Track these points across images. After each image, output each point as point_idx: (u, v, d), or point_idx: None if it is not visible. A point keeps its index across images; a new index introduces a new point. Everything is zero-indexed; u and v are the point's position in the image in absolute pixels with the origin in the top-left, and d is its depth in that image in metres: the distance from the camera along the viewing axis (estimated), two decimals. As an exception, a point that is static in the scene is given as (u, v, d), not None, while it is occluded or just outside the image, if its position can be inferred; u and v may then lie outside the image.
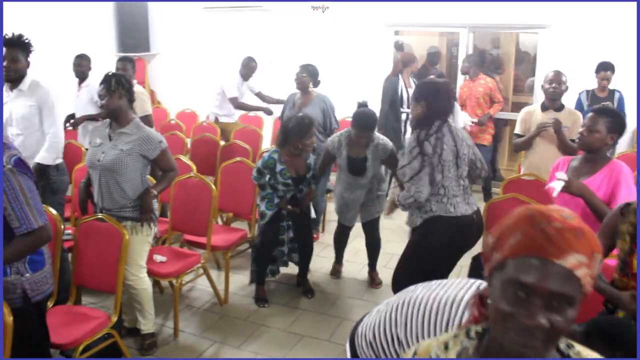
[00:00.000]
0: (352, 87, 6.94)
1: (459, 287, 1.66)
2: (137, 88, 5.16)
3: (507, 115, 6.98)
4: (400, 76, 6.16)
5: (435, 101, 3.17)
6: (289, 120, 4.02)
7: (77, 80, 5.62)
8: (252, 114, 7.16)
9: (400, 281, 3.29)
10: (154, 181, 3.99)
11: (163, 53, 8.41)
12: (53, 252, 3.19)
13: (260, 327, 3.83)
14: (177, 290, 3.66)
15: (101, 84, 3.28)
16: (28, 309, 2.41)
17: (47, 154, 3.78)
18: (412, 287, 1.81)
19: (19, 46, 3.59)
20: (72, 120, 5.45)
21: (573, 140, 4.24)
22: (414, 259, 3.28)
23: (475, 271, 2.83)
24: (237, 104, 6.53)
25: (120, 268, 3.09)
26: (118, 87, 3.25)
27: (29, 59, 3.70)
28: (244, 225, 5.00)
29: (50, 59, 6.60)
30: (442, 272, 3.33)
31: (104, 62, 6.34)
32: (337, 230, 4.59)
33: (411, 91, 6.06)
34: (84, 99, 5.50)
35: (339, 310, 4.06)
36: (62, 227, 3.25)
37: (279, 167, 3.99)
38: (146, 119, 5.10)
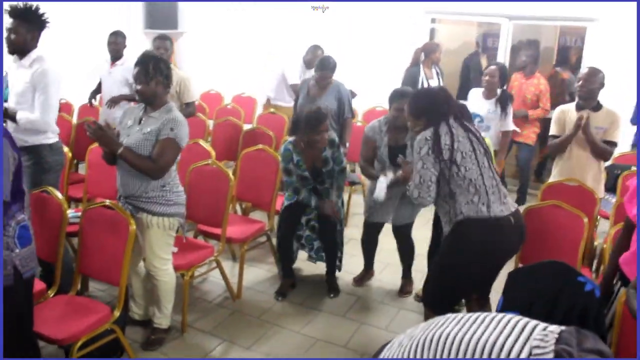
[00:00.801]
0: (385, 77, 6.63)
1: (498, 328, 1.39)
2: (181, 72, 4.97)
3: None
4: (421, 66, 5.85)
5: (435, 111, 2.87)
6: (301, 112, 3.77)
7: (108, 57, 5.42)
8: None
9: (433, 297, 3.04)
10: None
11: (191, 31, 8.18)
12: (56, 237, 3.03)
13: (273, 326, 3.61)
14: (187, 284, 3.46)
15: (137, 65, 3.03)
16: (18, 286, 2.30)
17: (26, 121, 3.43)
18: (440, 320, 1.54)
19: (22, 18, 3.37)
20: (106, 101, 5.26)
21: (609, 143, 3.96)
22: (447, 273, 2.93)
23: (511, 291, 2.54)
24: (296, 91, 6.21)
25: (126, 260, 2.88)
26: (155, 74, 3.02)
27: (35, 33, 3.46)
28: (263, 216, 4.79)
29: (74, 35, 6.46)
30: (479, 286, 3.07)
31: (130, 40, 6.16)
32: (364, 232, 4.20)
33: (432, 82, 5.77)
34: (117, 78, 5.27)
35: (358, 313, 3.81)
36: (67, 211, 3.07)
37: (295, 158, 3.77)
38: (190, 106, 4.92)
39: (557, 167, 4.19)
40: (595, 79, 3.94)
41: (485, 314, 1.49)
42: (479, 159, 2.82)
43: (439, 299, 3.00)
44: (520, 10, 6.30)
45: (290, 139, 3.85)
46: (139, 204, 3.07)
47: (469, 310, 3.16)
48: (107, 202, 3.03)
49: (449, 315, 1.55)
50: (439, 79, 5.86)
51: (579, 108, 4.04)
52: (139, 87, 3.01)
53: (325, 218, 3.91)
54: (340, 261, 4.13)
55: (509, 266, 3.10)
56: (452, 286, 2.95)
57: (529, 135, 5.92)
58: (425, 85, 5.75)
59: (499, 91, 4.95)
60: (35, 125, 3.46)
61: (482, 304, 3.15)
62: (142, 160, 2.97)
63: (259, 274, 4.25)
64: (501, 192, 2.88)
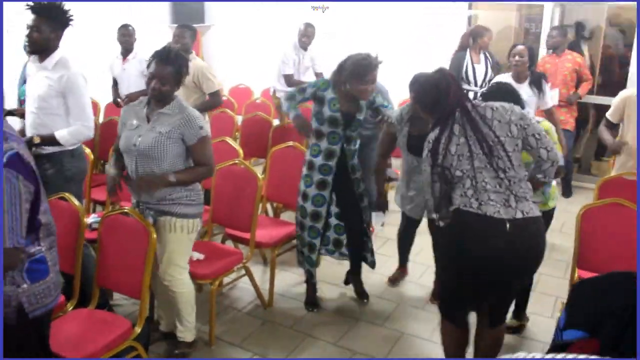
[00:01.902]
0: (421, 65, 6.28)
1: None
2: (199, 62, 4.74)
3: (594, 98, 6.17)
4: (468, 51, 5.52)
5: (439, 105, 2.53)
6: (347, 59, 3.37)
7: (119, 53, 5.26)
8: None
9: (440, 300, 2.78)
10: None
11: (218, 24, 7.98)
12: (74, 247, 2.83)
13: (306, 337, 3.36)
14: (214, 294, 3.23)
15: (164, 62, 2.75)
16: (24, 325, 2.01)
17: (70, 136, 3.26)
18: None
19: (45, 15, 3.13)
20: (124, 97, 5.09)
21: None
22: (439, 268, 2.69)
23: (575, 305, 2.22)
24: (292, 82, 5.98)
25: (146, 271, 2.67)
26: (185, 76, 2.85)
27: (59, 33, 3.23)
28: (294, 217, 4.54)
29: (97, 31, 6.30)
30: (467, 293, 2.64)
31: (157, 34, 5.98)
32: (401, 225, 3.94)
33: (479, 67, 5.46)
34: (132, 72, 5.12)
35: (398, 322, 3.54)
36: (85, 220, 2.87)
37: (329, 96, 3.36)
38: (216, 96, 4.66)
39: (619, 160, 3.82)
40: None
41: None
42: (475, 163, 2.45)
43: (443, 301, 2.75)
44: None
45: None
46: (162, 207, 2.85)
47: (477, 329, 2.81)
48: (126, 209, 2.81)
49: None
50: (487, 64, 5.53)
51: None
52: (164, 87, 2.76)
53: (347, 199, 3.56)
54: (372, 254, 3.74)
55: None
56: (447, 286, 2.69)
57: (568, 121, 5.58)
58: (471, 71, 5.43)
59: (527, 73, 4.60)
60: (80, 135, 3.30)
61: (483, 324, 2.76)
62: (196, 172, 2.88)
63: (291, 279, 4.01)
64: (511, 196, 2.44)
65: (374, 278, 4.04)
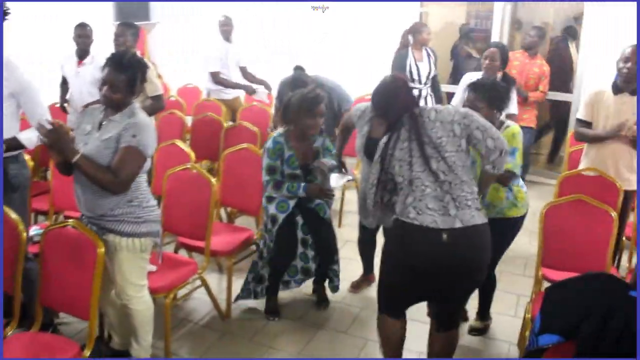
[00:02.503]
0: (376, 63, 6.24)
1: None
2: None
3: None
4: (410, 49, 5.46)
5: (391, 110, 2.51)
6: (292, 95, 3.34)
7: (73, 54, 4.89)
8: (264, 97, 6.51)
9: (379, 290, 2.73)
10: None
11: (164, 22, 7.70)
12: (12, 261, 2.58)
13: (268, 349, 3.21)
14: (168, 308, 3.03)
15: (118, 70, 2.54)
16: None
17: (34, 134, 2.99)
18: None
19: None
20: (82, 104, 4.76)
21: None
22: (380, 265, 2.68)
23: (551, 309, 2.15)
24: (218, 80, 5.84)
25: (95, 289, 2.46)
26: (140, 86, 2.65)
27: None
28: (249, 221, 4.38)
29: (35, 30, 5.96)
30: (400, 295, 2.66)
31: (99, 33, 5.67)
32: (359, 234, 3.84)
33: (422, 65, 5.39)
34: (87, 78, 4.72)
35: (362, 328, 3.43)
36: (25, 234, 2.62)
37: (287, 154, 3.33)
38: (158, 99, 4.41)
39: (587, 155, 3.77)
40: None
41: None
42: (415, 167, 2.41)
43: (380, 296, 2.72)
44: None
45: (280, 130, 3.41)
46: (105, 224, 2.62)
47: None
48: (70, 222, 2.59)
49: None
50: (429, 61, 5.46)
51: (617, 91, 3.61)
52: (115, 95, 2.55)
53: (317, 221, 3.52)
54: (337, 276, 3.69)
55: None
56: (385, 285, 2.67)
57: (531, 119, 5.60)
58: (415, 70, 5.37)
59: (499, 75, 4.56)
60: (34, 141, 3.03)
61: (434, 328, 2.77)
62: (101, 172, 2.49)
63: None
64: (450, 202, 2.39)
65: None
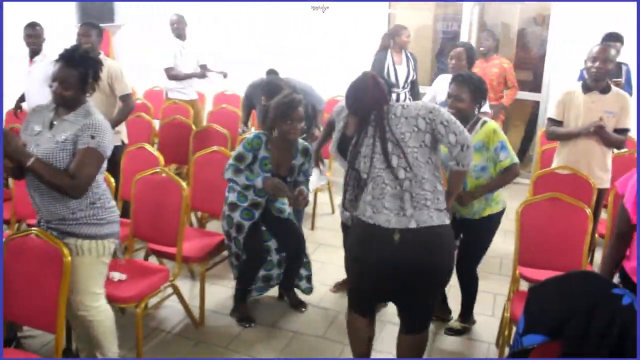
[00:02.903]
0: (347, 65, 6.21)
1: None
2: (111, 62, 4.36)
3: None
4: (389, 51, 5.43)
5: (361, 109, 2.48)
6: (267, 106, 3.31)
7: (26, 53, 4.74)
8: (229, 92, 6.41)
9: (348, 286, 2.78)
10: (112, 181, 3.24)
11: (129, 24, 7.52)
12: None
13: (244, 356, 3.12)
14: (140, 317, 2.92)
15: (70, 66, 2.43)
16: None
17: None
18: None
19: None
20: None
21: (621, 130, 3.63)
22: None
23: (534, 309, 2.11)
24: (171, 75, 5.79)
25: (61, 301, 2.34)
26: (93, 83, 2.52)
27: None
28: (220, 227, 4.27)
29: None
30: (365, 297, 2.65)
31: (63, 35, 5.50)
32: (344, 237, 3.70)
33: (400, 69, 5.37)
34: (38, 76, 4.57)
35: (339, 332, 3.34)
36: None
37: (262, 154, 3.25)
38: (127, 99, 4.26)
39: (560, 154, 3.80)
40: (610, 56, 3.53)
41: None
42: (376, 164, 2.38)
43: (348, 293, 2.77)
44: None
45: (264, 131, 3.32)
46: (65, 228, 2.50)
47: None
48: (34, 230, 2.46)
49: None
50: (408, 65, 5.44)
51: (586, 90, 3.65)
52: (66, 92, 2.44)
53: (279, 220, 3.46)
54: (309, 278, 3.64)
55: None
56: (349, 281, 2.69)
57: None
58: (392, 73, 5.34)
59: None
60: None
61: (401, 330, 2.69)
62: (58, 175, 2.36)
63: (223, 293, 3.74)
64: (407, 202, 2.35)
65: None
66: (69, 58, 2.44)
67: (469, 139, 2.40)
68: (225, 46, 6.88)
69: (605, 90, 3.60)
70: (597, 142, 3.65)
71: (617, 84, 4.57)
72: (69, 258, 2.37)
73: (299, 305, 3.62)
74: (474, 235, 3.15)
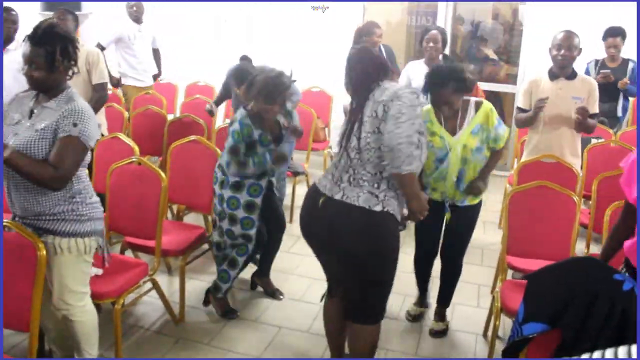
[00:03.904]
0: (321, 58, 6.13)
1: None
2: (88, 47, 4.18)
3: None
4: None
5: (354, 81, 2.46)
6: (258, 74, 3.14)
7: None
8: (201, 83, 6.25)
9: None
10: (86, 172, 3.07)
11: (97, 12, 7.28)
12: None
13: (227, 353, 3.01)
14: (118, 314, 2.77)
15: (36, 44, 2.26)
16: None
17: None
18: None
19: None
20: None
21: (591, 116, 3.64)
22: None
23: (533, 297, 2.06)
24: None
25: (35, 298, 2.19)
26: (63, 60, 2.30)
27: None
28: (197, 219, 4.15)
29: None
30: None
31: (24, 22, 5.24)
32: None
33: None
34: (12, 66, 4.33)
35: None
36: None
37: (256, 133, 3.14)
38: (101, 88, 4.09)
39: (530, 142, 3.82)
40: (574, 43, 3.56)
41: None
42: (343, 143, 2.43)
43: None
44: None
45: (242, 112, 3.18)
46: (42, 224, 2.34)
47: None
48: (5, 222, 2.30)
49: None
50: None
51: (553, 77, 3.68)
52: (35, 73, 2.27)
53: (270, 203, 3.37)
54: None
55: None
56: None
57: None
58: None
59: (440, 57, 4.50)
60: None
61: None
62: (38, 166, 2.21)
63: (202, 287, 3.59)
64: (346, 175, 2.38)
65: (292, 280, 3.76)
66: (33, 36, 2.27)
67: (398, 139, 2.22)
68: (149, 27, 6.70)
69: (572, 76, 3.64)
70: (569, 127, 3.67)
71: (623, 84, 4.62)
72: (44, 252, 2.23)
73: (276, 293, 3.56)
74: (462, 222, 3.10)
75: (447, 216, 3.02)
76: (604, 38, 4.85)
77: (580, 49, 3.60)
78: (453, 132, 2.90)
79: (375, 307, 2.52)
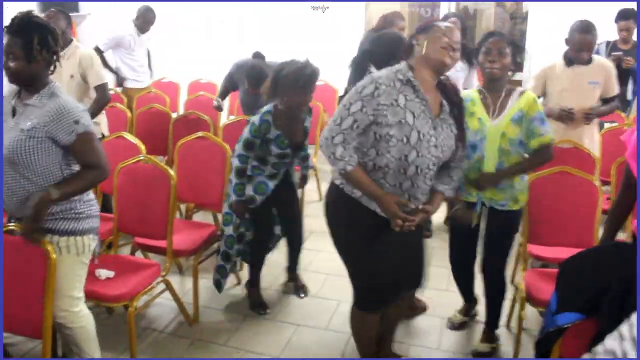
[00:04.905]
0: (320, 45, 6.05)
1: None
2: (83, 49, 4.08)
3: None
4: None
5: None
6: (282, 69, 3.03)
7: None
8: (204, 80, 6.15)
9: None
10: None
11: (95, 13, 7.18)
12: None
13: (246, 353, 2.92)
14: (132, 317, 2.69)
15: (12, 34, 2.17)
16: None
17: None
18: None
19: None
20: None
21: (606, 100, 3.56)
22: None
23: (567, 285, 1.97)
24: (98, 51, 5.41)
25: (47, 304, 2.11)
26: (42, 50, 2.18)
27: None
28: (206, 217, 4.06)
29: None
30: None
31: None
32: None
33: None
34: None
35: (343, 323, 3.14)
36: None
37: (273, 133, 3.05)
38: (101, 90, 3.93)
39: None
40: (593, 31, 3.47)
41: None
42: None
43: None
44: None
45: (269, 107, 3.08)
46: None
47: None
48: (11, 225, 2.22)
49: None
50: None
51: (569, 63, 3.58)
52: (13, 64, 2.17)
53: (290, 213, 3.38)
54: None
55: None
56: None
57: None
58: None
59: None
60: None
61: None
62: (84, 179, 2.27)
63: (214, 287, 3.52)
64: None
65: (307, 276, 3.67)
66: (10, 25, 2.19)
67: (320, 141, 2.21)
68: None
69: (588, 61, 3.55)
70: (586, 124, 3.61)
71: (628, 63, 4.52)
72: (54, 255, 2.15)
73: (299, 290, 3.50)
74: (499, 229, 2.78)
75: (473, 217, 2.71)
76: (616, 20, 4.75)
77: (597, 35, 3.52)
78: (494, 118, 2.65)
79: (356, 288, 2.43)
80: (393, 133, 2.13)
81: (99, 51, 5.37)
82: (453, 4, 6.34)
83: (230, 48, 5.64)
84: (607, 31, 4.82)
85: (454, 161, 2.36)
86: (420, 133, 2.16)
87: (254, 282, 3.37)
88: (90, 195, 2.42)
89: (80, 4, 7.15)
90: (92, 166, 2.25)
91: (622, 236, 3.00)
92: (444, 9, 6.33)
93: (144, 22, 5.62)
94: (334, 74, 5.84)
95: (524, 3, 6.93)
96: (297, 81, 2.93)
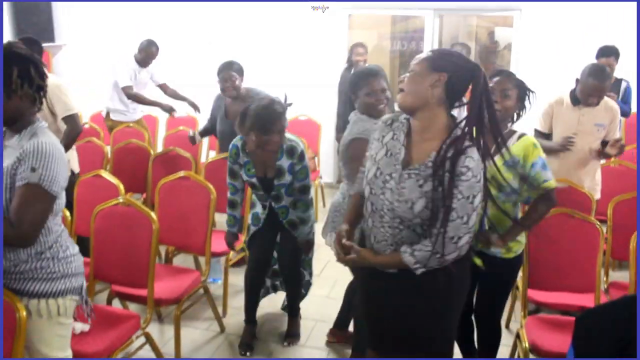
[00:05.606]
0: (303, 79, 5.95)
1: None
2: (51, 78, 3.89)
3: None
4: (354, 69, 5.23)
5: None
6: (250, 105, 2.98)
7: None
8: (183, 114, 5.98)
9: None
10: (67, 215, 2.81)
11: (71, 44, 7.01)
12: None
13: (230, 411, 2.73)
14: (110, 376, 2.49)
15: None
16: None
17: None
18: None
19: None
20: None
21: (606, 143, 3.53)
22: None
23: (583, 340, 1.86)
24: (131, 95, 5.33)
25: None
26: (23, 84, 1.95)
27: None
28: (187, 260, 3.87)
29: None
30: None
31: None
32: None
33: None
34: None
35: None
36: None
37: (242, 159, 3.04)
38: (71, 121, 3.73)
39: (551, 166, 3.63)
40: (607, 79, 3.44)
41: None
42: None
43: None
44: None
45: (241, 136, 3.08)
46: (8, 283, 2.02)
47: None
48: (-23, 280, 2.02)
49: None
50: None
51: (575, 102, 3.53)
52: None
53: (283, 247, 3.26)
54: (310, 274, 3.45)
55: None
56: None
57: None
58: None
59: None
60: None
61: None
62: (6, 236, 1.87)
63: (197, 335, 3.32)
64: None
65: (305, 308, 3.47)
66: None
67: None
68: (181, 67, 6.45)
69: (592, 105, 3.50)
70: (590, 155, 3.54)
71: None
72: (24, 312, 1.95)
73: (289, 337, 3.31)
74: (492, 277, 2.57)
75: (477, 261, 2.35)
76: (597, 57, 4.75)
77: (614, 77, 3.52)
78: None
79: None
80: (366, 164, 2.10)
81: (130, 89, 5.25)
82: (437, 27, 6.30)
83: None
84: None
85: (434, 227, 1.92)
86: (379, 171, 2.02)
87: (248, 317, 3.26)
88: (70, 250, 2.15)
89: (57, 33, 6.97)
90: (18, 224, 1.89)
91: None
92: (428, 33, 6.28)
93: (147, 56, 5.44)
94: (317, 107, 5.81)
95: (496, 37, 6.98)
96: (257, 122, 2.89)
